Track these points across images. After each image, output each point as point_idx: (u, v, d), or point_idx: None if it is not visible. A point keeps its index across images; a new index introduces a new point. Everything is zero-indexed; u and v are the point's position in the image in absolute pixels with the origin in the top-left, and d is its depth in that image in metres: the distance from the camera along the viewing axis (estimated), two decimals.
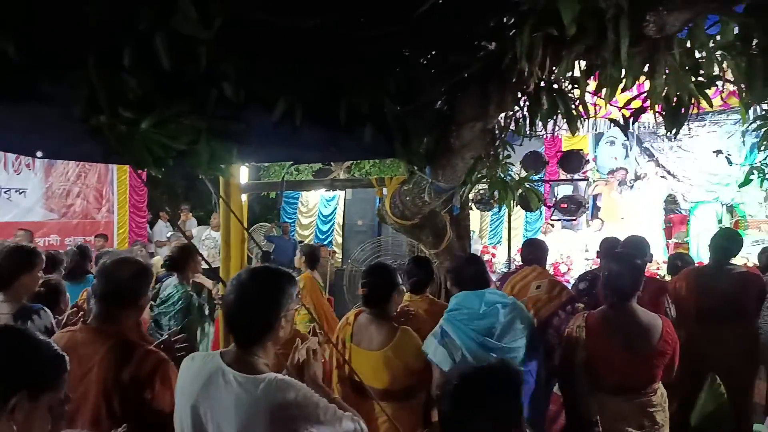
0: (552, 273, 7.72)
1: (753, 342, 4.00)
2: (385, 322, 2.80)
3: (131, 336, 2.02)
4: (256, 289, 1.71)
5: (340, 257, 11.11)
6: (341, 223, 12.21)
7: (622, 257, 2.88)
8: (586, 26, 1.94)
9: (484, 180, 3.72)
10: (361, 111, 2.52)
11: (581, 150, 5.13)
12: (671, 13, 1.89)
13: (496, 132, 3.35)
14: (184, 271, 4.02)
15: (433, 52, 2.94)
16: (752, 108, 7.11)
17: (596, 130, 10.60)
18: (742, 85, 2.25)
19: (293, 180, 10.51)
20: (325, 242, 12.25)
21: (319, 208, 12.97)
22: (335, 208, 12.68)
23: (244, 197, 4.08)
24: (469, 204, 4.77)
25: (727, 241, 4.14)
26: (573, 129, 3.03)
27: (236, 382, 1.62)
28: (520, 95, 3.00)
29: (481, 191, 5.03)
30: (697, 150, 10.36)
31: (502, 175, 3.74)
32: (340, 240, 12.08)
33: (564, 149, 10.90)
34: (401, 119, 2.78)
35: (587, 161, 4.96)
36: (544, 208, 7.17)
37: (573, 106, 3.00)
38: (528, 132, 3.40)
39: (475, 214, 9.49)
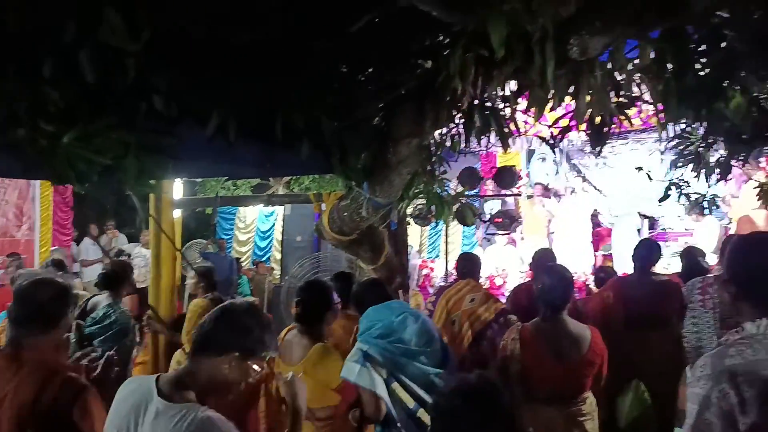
0: (488, 286, 7.92)
1: (676, 347, 4.20)
2: (308, 337, 2.75)
3: (50, 361, 1.91)
4: (211, 316, 1.67)
5: (279, 274, 10.93)
6: (280, 239, 12.04)
7: (554, 270, 2.97)
8: (515, 48, 2.02)
9: (422, 195, 3.78)
10: (297, 126, 2.51)
11: (514, 166, 5.30)
12: (593, 37, 1.99)
13: (432, 148, 3.42)
14: (118, 290, 3.87)
15: (371, 69, 2.98)
16: (670, 127, 7.56)
17: (529, 146, 10.98)
18: (659, 106, 2.39)
19: (229, 195, 10.28)
20: (263, 258, 12.03)
21: (258, 223, 12.76)
22: (274, 224, 12.51)
23: (177, 213, 3.96)
24: (407, 219, 4.83)
25: (648, 252, 4.35)
26: (505, 145, 3.13)
27: (158, 410, 1.53)
28: (454, 112, 3.07)
29: (419, 206, 5.10)
30: (621, 167, 10.91)
31: (439, 191, 3.82)
32: (278, 256, 11.90)
33: (498, 165, 11.30)
34: (339, 135, 2.79)
35: (520, 177, 5.12)
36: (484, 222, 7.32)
37: (505, 124, 3.10)
38: (463, 148, 3.48)
39: (414, 229, 9.59)
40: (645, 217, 9.22)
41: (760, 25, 2.05)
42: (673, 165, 4.91)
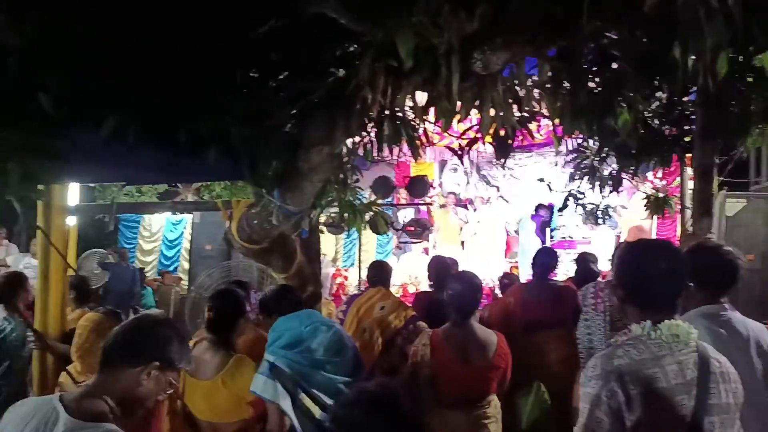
0: (401, 294, 8.02)
1: (573, 349, 4.45)
2: (222, 350, 2.66)
3: None
4: (128, 324, 1.62)
5: (187, 284, 10.49)
6: (188, 248, 11.56)
7: (464, 278, 3.05)
8: (422, 60, 2.06)
9: (334, 204, 3.76)
10: (204, 132, 2.42)
11: (426, 176, 5.41)
12: (494, 53, 2.08)
13: (345, 156, 3.41)
14: (13, 303, 3.67)
15: (282, 76, 2.94)
16: (569, 141, 7.96)
17: (442, 157, 11.29)
18: (556, 121, 2.53)
19: (132, 202, 9.73)
20: (171, 268, 11.51)
21: (165, 232, 12.18)
22: (182, 233, 11.99)
23: (72, 220, 3.70)
24: (320, 227, 4.79)
25: (547, 258, 4.58)
26: (415, 155, 3.18)
27: (66, 429, 1.44)
28: (366, 121, 3.09)
29: (332, 215, 5.08)
30: (526, 178, 11.46)
31: (351, 199, 3.82)
32: (187, 266, 11.42)
33: (412, 175, 11.50)
34: (249, 142, 2.72)
35: (432, 186, 5.24)
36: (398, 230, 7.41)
37: (415, 134, 3.15)
38: (375, 157, 3.50)
39: (330, 238, 9.54)
40: (542, 208, 9.58)
41: (644, 47, 2.22)
42: (572, 177, 5.21)
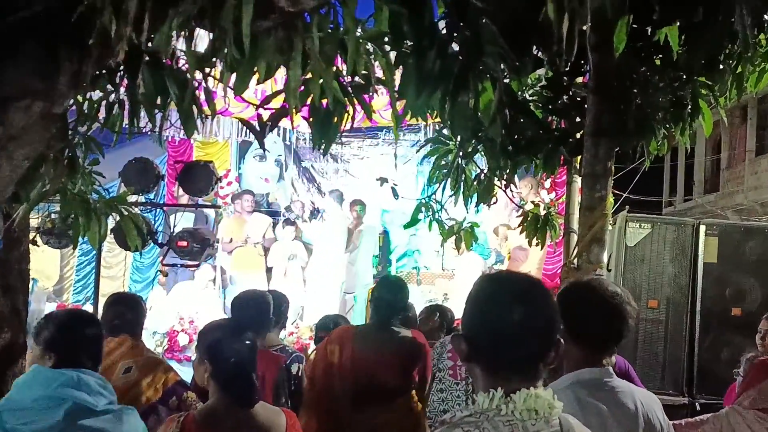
0: (166, 347, 7.78)
1: (417, 425, 4.62)
2: None
3: None
4: None
5: None
6: None
7: (231, 339, 3.05)
8: None
9: (56, 198, 3.57)
10: None
11: (212, 163, 5.32)
12: None
13: (73, 121, 3.25)
14: None
15: None
16: (427, 127, 8.36)
17: (244, 136, 11.21)
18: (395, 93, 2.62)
19: None
20: None
21: None
22: None
23: None
24: (32, 236, 4.51)
25: (391, 294, 4.72)
26: (188, 130, 3.12)
27: None
28: (113, 67, 2.96)
29: (53, 215, 4.81)
30: (368, 176, 11.83)
31: (85, 191, 3.67)
32: None
33: (191, 160, 11.28)
34: None
35: (219, 179, 5.14)
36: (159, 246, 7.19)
37: (193, 95, 3.09)
38: (127, 128, 3.37)
39: (51, 254, 8.98)
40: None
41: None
42: (430, 180, 5.46)
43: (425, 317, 6.08)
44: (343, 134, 3.26)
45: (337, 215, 10.49)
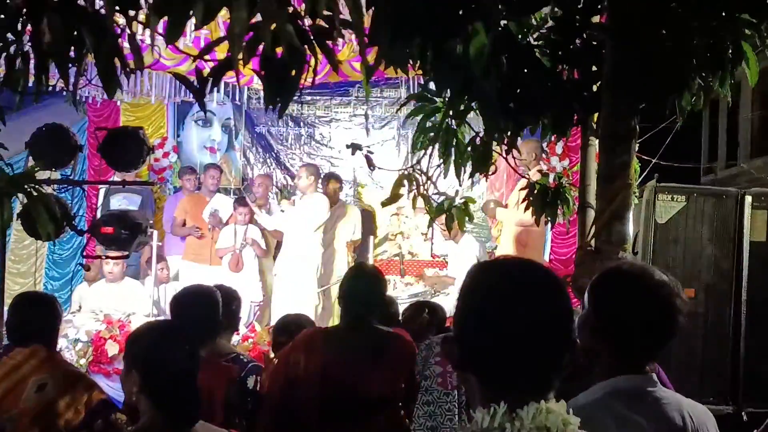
0: (90, 358, 7.76)
1: None
2: None
3: None
4: None
5: None
6: None
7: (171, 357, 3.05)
8: None
9: None
10: None
11: (142, 129, 5.28)
12: None
13: None
14: None
15: None
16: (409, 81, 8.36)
17: (181, 96, 11.11)
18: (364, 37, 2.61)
19: None
20: None
21: None
22: None
23: None
24: None
25: (365, 285, 4.72)
26: (109, 89, 3.11)
27: None
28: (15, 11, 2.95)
29: None
30: (338, 143, 11.80)
31: None
32: None
33: (122, 125, 11.18)
34: None
35: (151, 150, 5.07)
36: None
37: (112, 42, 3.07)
38: (34, 87, 3.36)
39: None
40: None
41: None
42: (414, 146, 5.43)
43: (411, 315, 6.09)
44: (306, 91, 3.25)
45: (315, 197, 10.36)
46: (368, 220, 11.14)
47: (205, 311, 4.38)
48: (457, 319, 1.86)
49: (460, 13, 2.60)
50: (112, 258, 7.22)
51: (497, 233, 10.17)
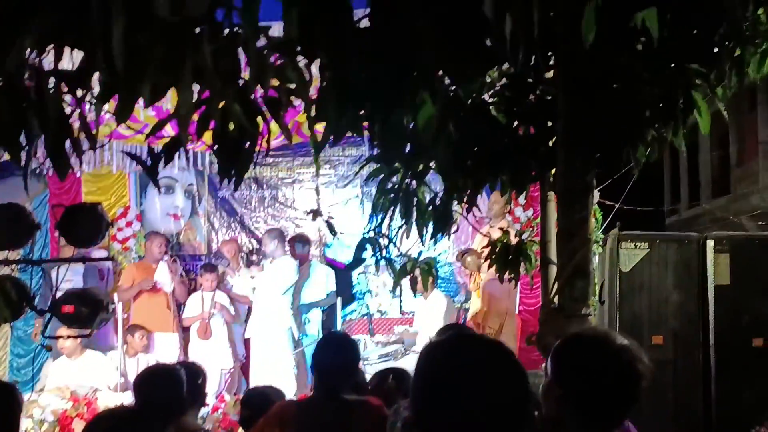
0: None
1: None
2: None
3: None
4: None
5: None
6: None
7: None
8: None
9: None
10: None
11: (100, 205, 5.22)
12: None
13: None
14: None
15: None
16: (370, 140, 8.30)
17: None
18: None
19: None
20: None
21: None
22: None
23: None
24: None
25: (338, 355, 4.68)
26: (60, 171, 3.08)
27: None
28: None
29: None
30: (305, 204, 11.75)
31: None
32: None
33: (85, 195, 11.09)
34: None
35: (110, 225, 5.02)
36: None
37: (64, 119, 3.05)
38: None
39: None
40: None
41: None
42: (374, 208, 5.40)
43: (377, 383, 6.03)
44: (269, 153, 3.22)
45: (283, 261, 10.29)
46: (335, 279, 11.10)
47: (168, 391, 4.35)
48: (412, 398, 1.85)
49: (406, 82, 2.59)
50: (74, 337, 7.12)
51: (475, 287, 10.05)
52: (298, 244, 10.64)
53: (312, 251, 11.20)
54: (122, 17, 2.08)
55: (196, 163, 11.50)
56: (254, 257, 11.26)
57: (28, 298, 4.73)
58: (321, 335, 10.19)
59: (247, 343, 10.42)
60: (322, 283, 10.63)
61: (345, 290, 11.22)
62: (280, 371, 9.52)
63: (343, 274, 11.08)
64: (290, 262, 10.23)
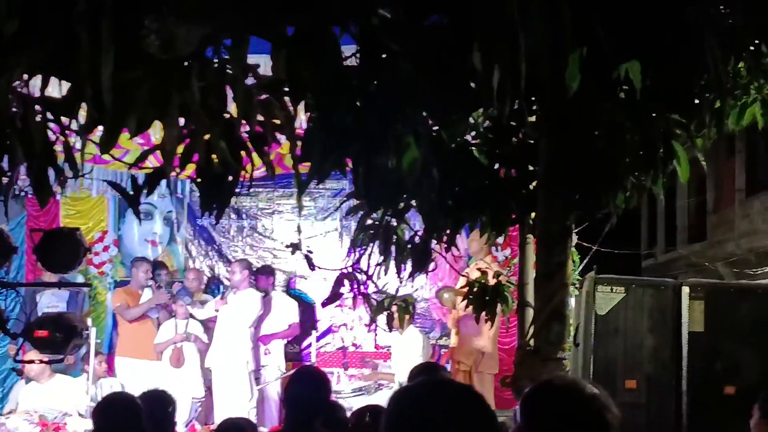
0: None
1: None
2: None
3: None
4: None
5: None
6: None
7: None
8: (41, 22, 2.00)
9: None
10: None
11: (78, 230, 5.22)
12: (184, 24, 2.08)
13: None
14: None
15: None
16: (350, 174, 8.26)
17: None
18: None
19: None
20: None
21: None
22: None
23: None
24: None
25: (309, 389, 4.68)
26: (41, 199, 3.09)
27: None
28: None
29: None
30: (284, 235, 11.70)
31: None
32: None
33: (62, 219, 11.04)
34: None
35: (88, 250, 4.99)
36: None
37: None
38: None
39: None
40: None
41: (434, 34, 2.40)
42: (353, 244, 5.42)
43: (355, 422, 6.04)
44: (251, 184, 3.24)
45: (247, 292, 10.30)
46: (309, 312, 11.07)
47: (126, 421, 4.34)
48: None
49: (391, 125, 2.61)
50: (46, 362, 7.06)
51: (453, 324, 10.02)
52: (262, 277, 10.67)
53: (286, 282, 11.23)
54: (111, 53, 2.09)
55: (175, 191, 11.47)
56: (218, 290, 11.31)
57: (1, 320, 4.69)
58: (283, 367, 10.33)
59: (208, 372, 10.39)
60: (284, 314, 10.66)
61: (319, 323, 11.24)
62: (239, 404, 9.54)
63: (317, 307, 11.10)
64: (254, 294, 10.30)
